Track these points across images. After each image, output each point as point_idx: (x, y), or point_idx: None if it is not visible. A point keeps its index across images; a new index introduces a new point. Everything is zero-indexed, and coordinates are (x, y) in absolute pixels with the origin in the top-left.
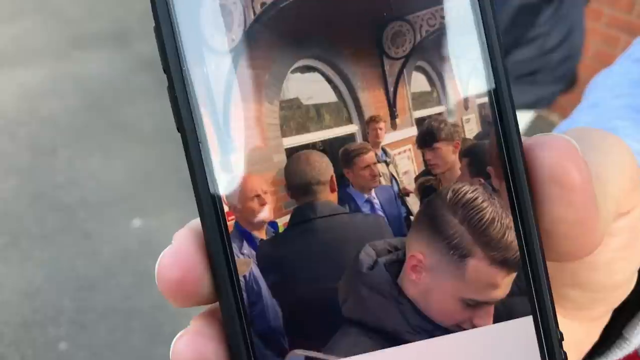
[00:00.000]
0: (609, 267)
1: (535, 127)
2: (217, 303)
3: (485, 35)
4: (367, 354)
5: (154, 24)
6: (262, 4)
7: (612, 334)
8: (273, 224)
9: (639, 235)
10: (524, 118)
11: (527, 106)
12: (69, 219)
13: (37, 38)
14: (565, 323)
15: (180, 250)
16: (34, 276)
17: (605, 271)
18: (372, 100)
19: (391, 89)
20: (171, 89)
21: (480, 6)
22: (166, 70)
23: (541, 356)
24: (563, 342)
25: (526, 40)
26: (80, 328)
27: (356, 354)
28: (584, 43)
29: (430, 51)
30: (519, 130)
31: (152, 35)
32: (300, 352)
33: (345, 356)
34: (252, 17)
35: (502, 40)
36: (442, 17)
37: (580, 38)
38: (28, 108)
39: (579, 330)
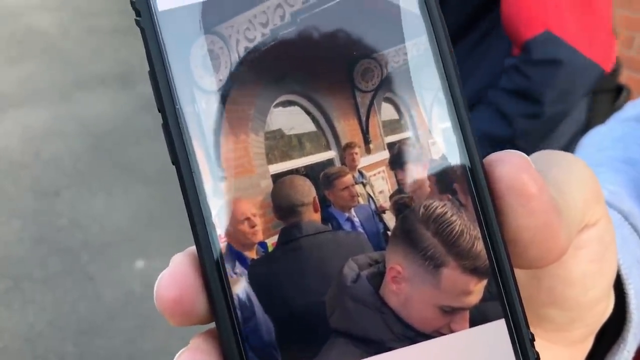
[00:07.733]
0: (583, 282)
1: None
2: (214, 322)
3: (444, 67)
4: None
5: (148, 69)
6: (245, 48)
7: None
8: (262, 244)
9: (607, 247)
10: None
11: None
12: (72, 262)
13: (41, 80)
14: (548, 347)
15: (177, 271)
16: (36, 321)
17: (580, 286)
18: (347, 129)
19: (364, 118)
20: (166, 126)
21: (437, 43)
22: (160, 109)
23: (515, 355)
24: (535, 342)
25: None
26: None
27: None
28: None
29: (396, 84)
30: (479, 149)
31: None
32: None
33: None
34: (237, 59)
35: (459, 71)
36: (405, 54)
37: None
38: (32, 150)
39: (561, 355)
